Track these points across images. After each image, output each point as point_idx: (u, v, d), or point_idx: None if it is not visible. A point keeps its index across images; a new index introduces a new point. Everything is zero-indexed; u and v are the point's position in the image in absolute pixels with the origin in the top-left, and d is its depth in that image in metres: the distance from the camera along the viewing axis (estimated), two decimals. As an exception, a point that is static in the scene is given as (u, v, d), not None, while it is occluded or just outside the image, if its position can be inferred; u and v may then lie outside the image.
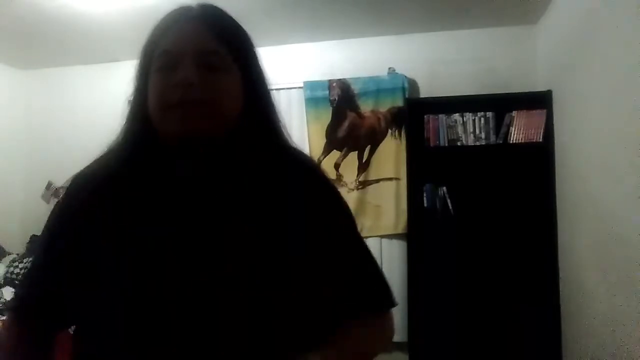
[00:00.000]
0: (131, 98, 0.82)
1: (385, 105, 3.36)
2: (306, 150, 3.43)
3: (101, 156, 0.85)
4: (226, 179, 0.77)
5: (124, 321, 0.74)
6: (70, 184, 0.85)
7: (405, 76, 3.35)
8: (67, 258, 0.80)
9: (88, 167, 0.86)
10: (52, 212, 0.88)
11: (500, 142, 3.02)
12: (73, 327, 0.86)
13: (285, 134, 0.84)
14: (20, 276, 3.47)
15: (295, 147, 0.85)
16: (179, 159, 0.78)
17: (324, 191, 0.84)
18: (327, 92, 3.42)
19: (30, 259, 0.92)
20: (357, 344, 0.80)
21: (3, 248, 3.78)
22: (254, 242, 0.75)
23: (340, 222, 0.84)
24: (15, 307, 0.89)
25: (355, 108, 3.41)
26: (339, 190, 0.87)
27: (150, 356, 0.73)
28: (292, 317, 0.76)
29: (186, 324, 0.72)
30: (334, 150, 3.44)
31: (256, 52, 0.82)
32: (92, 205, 0.78)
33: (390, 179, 3.34)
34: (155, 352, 0.73)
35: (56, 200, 4.06)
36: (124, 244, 0.75)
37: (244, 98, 0.79)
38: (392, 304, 0.83)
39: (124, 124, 0.82)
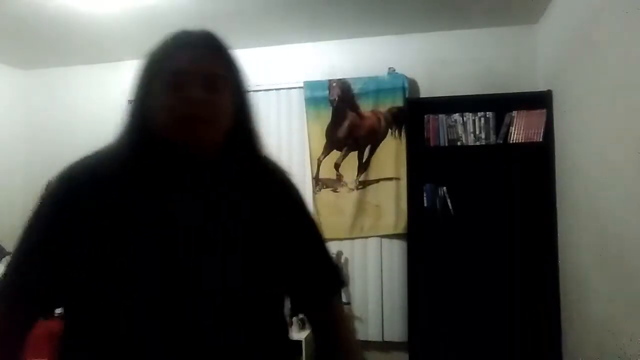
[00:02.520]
0: (131, 105, 0.93)
1: (385, 105, 3.36)
2: (306, 149, 3.46)
3: (100, 151, 0.94)
4: (217, 178, 0.92)
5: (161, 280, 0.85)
6: (69, 174, 0.91)
7: (405, 76, 3.35)
8: (73, 243, 0.85)
9: (86, 159, 0.93)
10: (48, 197, 0.91)
11: (500, 142, 3.02)
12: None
13: (262, 144, 1.01)
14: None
15: (268, 155, 1.03)
16: (177, 159, 0.90)
17: (294, 190, 1.08)
18: (327, 92, 3.42)
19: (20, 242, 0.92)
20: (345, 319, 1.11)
21: (3, 248, 3.78)
22: (248, 223, 0.93)
23: (308, 212, 1.09)
24: (5, 292, 0.90)
25: (355, 108, 3.41)
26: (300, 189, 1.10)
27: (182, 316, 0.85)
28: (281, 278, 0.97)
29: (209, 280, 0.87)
30: (334, 150, 3.43)
31: (243, 74, 0.96)
32: (100, 194, 0.87)
33: (390, 178, 3.34)
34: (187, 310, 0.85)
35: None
36: (141, 227, 0.86)
37: (233, 115, 0.93)
38: (344, 283, 1.18)
39: (125, 127, 0.92)
